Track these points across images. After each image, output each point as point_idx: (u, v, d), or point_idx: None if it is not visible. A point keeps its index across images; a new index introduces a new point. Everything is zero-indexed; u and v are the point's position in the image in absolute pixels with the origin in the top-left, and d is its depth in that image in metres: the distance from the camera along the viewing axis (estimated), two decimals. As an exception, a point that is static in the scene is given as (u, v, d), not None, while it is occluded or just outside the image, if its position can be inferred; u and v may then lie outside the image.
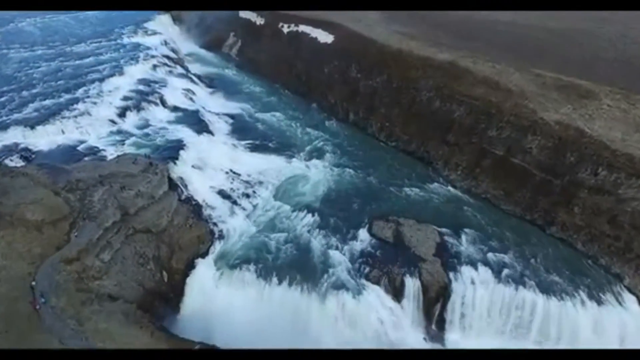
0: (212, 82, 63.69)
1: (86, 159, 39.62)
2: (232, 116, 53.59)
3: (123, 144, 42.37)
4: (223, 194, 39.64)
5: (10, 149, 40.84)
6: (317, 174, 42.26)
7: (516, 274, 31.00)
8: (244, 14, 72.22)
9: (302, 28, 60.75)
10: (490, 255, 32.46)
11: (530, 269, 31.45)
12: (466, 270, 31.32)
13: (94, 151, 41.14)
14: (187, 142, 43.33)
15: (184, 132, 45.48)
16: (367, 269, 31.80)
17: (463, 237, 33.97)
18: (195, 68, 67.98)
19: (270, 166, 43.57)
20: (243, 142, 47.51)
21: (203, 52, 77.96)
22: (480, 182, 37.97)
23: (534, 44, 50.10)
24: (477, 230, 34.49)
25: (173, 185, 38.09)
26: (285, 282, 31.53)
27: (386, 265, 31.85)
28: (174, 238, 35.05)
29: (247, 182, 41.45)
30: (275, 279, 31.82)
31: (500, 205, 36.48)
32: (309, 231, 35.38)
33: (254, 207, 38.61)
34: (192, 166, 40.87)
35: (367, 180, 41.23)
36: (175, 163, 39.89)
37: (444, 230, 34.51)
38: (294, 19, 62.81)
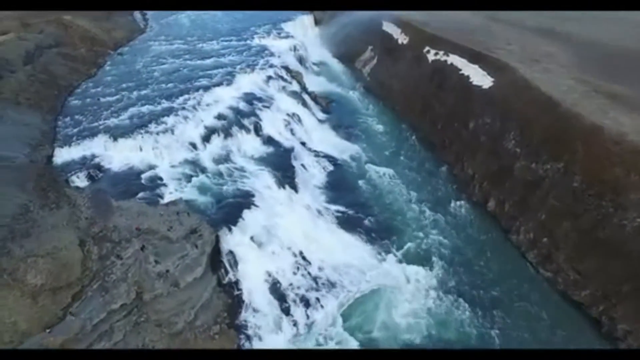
0: (327, 106, 52.21)
1: (140, 195, 31.99)
2: (333, 161, 41.40)
3: (188, 183, 33.76)
4: (277, 291, 28.05)
5: (86, 162, 35.87)
6: (414, 296, 27.52)
7: None
8: (387, 28, 58.45)
9: (453, 59, 44.56)
10: None
11: None
12: None
13: (153, 185, 33.34)
14: (259, 198, 32.72)
15: (262, 180, 34.94)
16: None
17: None
18: (315, 83, 57.36)
19: (354, 260, 30.32)
20: (332, 209, 35.02)
21: (334, 63, 66.98)
22: None
23: None
24: None
25: (216, 262, 28.02)
26: None
27: None
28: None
29: (315, 278, 29.09)
30: None
31: None
32: (369, 411, 21.68)
33: (309, 326, 26.12)
34: (252, 238, 30.15)
35: (489, 334, 25.11)
36: (230, 230, 29.68)
37: None
38: (446, 45, 46.80)
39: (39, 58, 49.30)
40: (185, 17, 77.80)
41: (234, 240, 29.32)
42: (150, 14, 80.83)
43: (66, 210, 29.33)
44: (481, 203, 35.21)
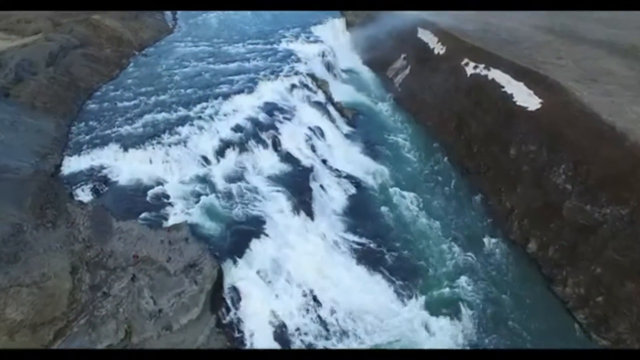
0: (353, 119, 48.35)
1: (143, 215, 29.30)
2: (356, 182, 37.56)
3: (196, 203, 30.81)
4: (282, 336, 24.62)
5: (93, 173, 33.59)
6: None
7: None
8: (422, 35, 53.93)
9: (494, 74, 39.71)
10: None
11: None
12: None
13: (158, 204, 30.64)
14: (270, 226, 29.40)
15: (276, 204, 31.60)
16: None
17: None
18: (342, 92, 53.48)
19: (371, 303, 26.45)
20: (350, 240, 31.30)
21: (364, 70, 62.94)
22: None
23: None
24: None
25: (216, 298, 24.99)
26: None
27: None
28: (175, 404, 22.45)
29: (325, 324, 25.47)
30: None
31: None
32: None
33: (313, 385, 22.82)
34: (258, 272, 26.95)
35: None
36: (235, 262, 26.60)
37: None
38: (487, 57, 41.90)
39: (62, 59, 48.02)
40: (214, 18, 75.65)
41: (238, 274, 26.26)
42: (179, 13, 79.27)
43: (63, 231, 27.11)
44: (520, 243, 30.61)
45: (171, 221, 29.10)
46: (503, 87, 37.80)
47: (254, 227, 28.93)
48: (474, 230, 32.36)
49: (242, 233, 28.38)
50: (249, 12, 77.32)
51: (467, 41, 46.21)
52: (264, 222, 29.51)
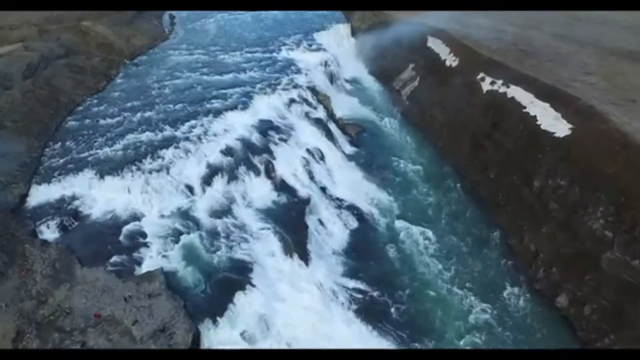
0: (357, 138, 44.03)
1: (113, 259, 25.22)
2: (358, 214, 33.22)
3: (175, 244, 26.65)
4: (266, 415, 20.76)
5: (63, 205, 29.73)
6: None
7: None
8: (433, 45, 49.41)
9: (514, 92, 35.19)
10: None
11: None
12: None
13: (132, 245, 26.51)
14: (258, 273, 25.19)
15: (266, 245, 27.38)
16: None
17: None
18: (345, 105, 49.30)
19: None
20: (350, 287, 27.02)
21: (369, 81, 58.58)
22: None
23: None
24: None
25: (191, 370, 21.00)
26: None
27: None
28: None
29: (317, 399, 21.51)
30: None
31: None
32: None
33: None
34: (242, 334, 22.83)
35: None
36: (215, 322, 22.49)
37: None
38: (505, 72, 37.38)
39: (42, 71, 44.26)
40: (212, 23, 71.66)
41: (218, 337, 22.18)
42: (177, 18, 75.42)
43: (14, 282, 23.25)
44: (547, 293, 26.25)
45: (145, 267, 25.13)
46: (525, 107, 33.34)
47: (239, 276, 24.85)
48: (492, 276, 28.05)
49: (225, 284, 24.31)
50: (249, 17, 73.35)
51: (482, 53, 41.72)
52: (251, 270, 25.44)
